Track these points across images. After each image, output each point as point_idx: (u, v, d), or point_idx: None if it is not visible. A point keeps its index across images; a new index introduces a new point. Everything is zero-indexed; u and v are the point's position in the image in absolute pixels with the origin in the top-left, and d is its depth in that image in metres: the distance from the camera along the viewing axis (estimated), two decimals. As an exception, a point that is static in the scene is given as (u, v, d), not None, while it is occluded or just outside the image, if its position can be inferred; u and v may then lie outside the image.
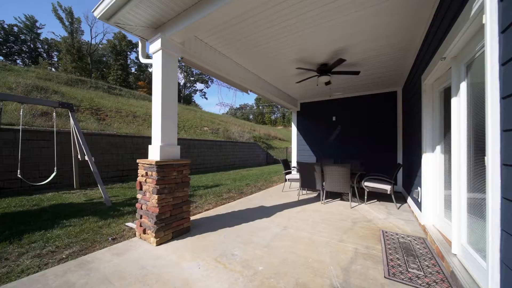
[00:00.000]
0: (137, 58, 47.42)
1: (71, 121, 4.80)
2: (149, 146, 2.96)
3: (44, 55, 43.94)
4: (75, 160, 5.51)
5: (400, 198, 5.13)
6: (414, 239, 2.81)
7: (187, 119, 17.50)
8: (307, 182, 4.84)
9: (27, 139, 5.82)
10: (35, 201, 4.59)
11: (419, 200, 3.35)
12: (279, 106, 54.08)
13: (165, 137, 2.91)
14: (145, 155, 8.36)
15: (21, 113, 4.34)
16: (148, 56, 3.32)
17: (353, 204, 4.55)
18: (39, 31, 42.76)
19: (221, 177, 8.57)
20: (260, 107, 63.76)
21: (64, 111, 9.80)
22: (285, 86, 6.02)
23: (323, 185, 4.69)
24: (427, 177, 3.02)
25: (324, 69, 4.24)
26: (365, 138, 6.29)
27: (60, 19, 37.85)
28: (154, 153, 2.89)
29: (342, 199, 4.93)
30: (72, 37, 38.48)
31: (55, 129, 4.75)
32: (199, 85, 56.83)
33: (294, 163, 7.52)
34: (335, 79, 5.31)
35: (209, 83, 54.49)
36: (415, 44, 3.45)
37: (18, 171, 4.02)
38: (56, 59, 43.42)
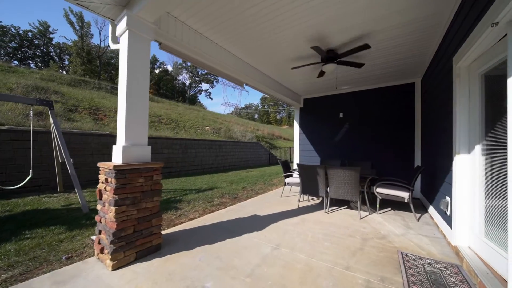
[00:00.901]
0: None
1: (51, 120, 4.41)
2: (113, 146, 2.46)
3: (56, 58, 45.15)
4: (57, 162, 5.13)
5: (419, 206, 4.41)
6: (445, 267, 2.15)
7: (188, 119, 17.14)
8: (308, 187, 4.22)
9: (12, 139, 5.51)
10: (10, 206, 4.21)
11: (448, 213, 2.67)
12: (285, 105, 53.23)
13: (130, 135, 2.39)
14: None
15: None
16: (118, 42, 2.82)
17: (363, 213, 3.89)
18: (51, 35, 43.98)
19: (218, 179, 8.05)
20: (266, 107, 63.11)
21: (61, 110, 9.62)
22: (286, 79, 5.42)
23: (327, 191, 4.06)
24: (461, 185, 2.35)
25: (331, 56, 3.60)
26: (377, 137, 5.58)
27: (71, 23, 38.73)
28: (116, 155, 2.37)
29: (349, 207, 4.28)
30: (82, 41, 39.28)
31: (31, 128, 4.38)
32: (204, 85, 56.80)
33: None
34: (341, 71, 4.67)
35: (214, 83, 54.44)
36: (444, 18, 2.77)
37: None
38: (67, 63, 44.53)
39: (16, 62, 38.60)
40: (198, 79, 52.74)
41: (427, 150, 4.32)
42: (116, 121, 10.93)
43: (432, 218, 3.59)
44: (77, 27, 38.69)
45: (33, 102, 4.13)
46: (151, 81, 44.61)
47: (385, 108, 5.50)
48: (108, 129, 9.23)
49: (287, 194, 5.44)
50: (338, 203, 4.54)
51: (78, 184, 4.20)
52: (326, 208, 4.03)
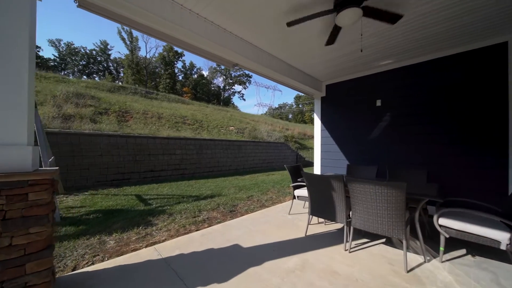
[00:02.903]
0: (183, 66, 51.58)
1: (35, 117, 4.18)
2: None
3: (114, 72, 52.39)
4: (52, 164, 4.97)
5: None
6: None
7: (214, 119, 16.91)
8: (319, 207, 2.84)
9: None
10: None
11: None
12: (321, 104, 49.26)
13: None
14: (148, 156, 7.69)
15: None
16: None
17: (413, 260, 2.30)
18: (109, 52, 51.25)
19: (228, 184, 7.10)
20: (300, 106, 60.10)
21: (91, 113, 10.29)
22: (299, 59, 4.07)
23: (349, 217, 2.61)
24: None
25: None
26: (437, 132, 3.71)
27: (123, 39, 44.10)
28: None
29: (388, 243, 2.70)
30: (132, 54, 44.38)
31: None
32: (237, 87, 57.78)
33: (316, 169, 5.39)
34: (374, 35, 3.10)
35: (247, 84, 54.77)
36: None
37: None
38: (122, 74, 51.19)
39: (85, 77, 46.13)
40: (231, 81, 53.92)
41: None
42: (141, 123, 11.18)
43: None
44: (128, 42, 43.89)
45: (14, 100, 3.95)
46: (188, 86, 47.75)
47: (453, 89, 3.58)
48: (130, 130, 9.37)
49: (298, 210, 4.07)
50: (368, 234, 2.97)
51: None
52: (347, 243, 2.57)
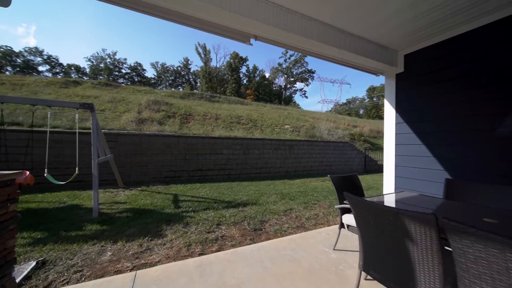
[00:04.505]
0: (247, 70, 54.43)
1: (92, 120, 4.75)
2: None
3: (192, 82, 61.57)
4: (111, 161, 5.61)
5: None
6: None
7: (269, 118, 16.34)
8: (379, 263, 1.50)
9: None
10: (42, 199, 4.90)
11: None
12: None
13: None
14: (196, 156, 7.85)
15: (48, 116, 4.73)
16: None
17: None
18: (190, 66, 60.56)
19: (272, 190, 6.16)
20: (374, 99, 50.83)
21: (161, 117, 11.86)
22: (363, 19, 2.67)
23: (450, 308, 1.17)
24: None
25: None
26: None
27: (198, 53, 50.97)
28: None
29: None
30: (205, 65, 50.69)
31: (77, 130, 4.93)
32: (299, 85, 55.25)
33: (387, 183, 3.66)
34: None
35: (309, 80, 51.70)
36: None
37: (46, 170, 4.32)
38: (198, 84, 59.55)
39: (173, 89, 56.36)
40: (292, 79, 52.42)
41: None
42: (200, 124, 12.00)
43: None
44: (202, 56, 50.36)
45: (76, 106, 4.57)
46: (251, 88, 49.94)
47: None
48: (188, 131, 10.12)
49: (350, 244, 2.66)
50: None
51: (96, 186, 4.10)
52: None
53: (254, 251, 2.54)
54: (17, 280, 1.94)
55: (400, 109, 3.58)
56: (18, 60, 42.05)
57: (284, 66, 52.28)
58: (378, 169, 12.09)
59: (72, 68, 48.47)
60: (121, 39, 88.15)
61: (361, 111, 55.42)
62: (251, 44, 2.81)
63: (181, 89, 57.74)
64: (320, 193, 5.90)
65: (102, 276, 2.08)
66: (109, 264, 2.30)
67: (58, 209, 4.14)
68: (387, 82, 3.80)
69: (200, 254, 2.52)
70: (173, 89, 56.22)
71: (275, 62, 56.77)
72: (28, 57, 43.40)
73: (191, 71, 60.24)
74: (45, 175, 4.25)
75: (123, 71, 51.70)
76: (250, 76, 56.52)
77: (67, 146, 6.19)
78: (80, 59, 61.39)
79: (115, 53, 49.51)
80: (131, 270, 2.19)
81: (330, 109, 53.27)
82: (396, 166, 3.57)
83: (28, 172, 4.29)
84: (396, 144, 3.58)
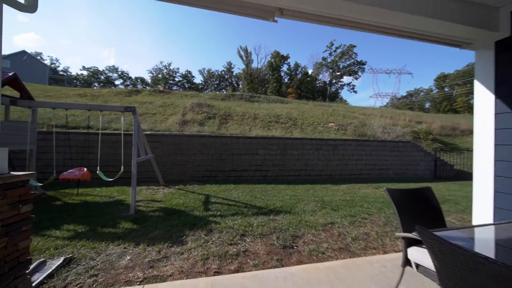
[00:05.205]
0: (288, 68, 53.26)
1: (134, 122, 5.08)
2: None
3: (235, 84, 64.13)
4: (152, 160, 5.94)
5: None
6: None
7: (311, 116, 15.19)
8: None
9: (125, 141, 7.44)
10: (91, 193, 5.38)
11: None
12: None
13: None
14: (231, 156, 7.72)
15: (100, 119, 5.26)
16: None
17: None
18: (232, 69, 63.27)
19: (311, 195, 5.40)
20: (446, 89, 41.56)
21: (202, 118, 12.42)
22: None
23: None
24: None
25: None
26: None
27: (240, 57, 52.63)
28: None
29: None
30: (247, 67, 52.00)
31: (122, 132, 5.34)
32: (346, 79, 50.24)
33: (480, 199, 2.54)
34: None
35: (359, 73, 46.58)
36: None
37: (98, 167, 4.83)
38: (240, 86, 61.68)
39: (218, 92, 59.98)
40: (338, 73, 48.31)
41: None
42: (237, 124, 12.05)
43: None
44: (244, 58, 51.76)
45: (121, 109, 4.96)
46: (293, 86, 48.44)
47: None
48: (226, 130, 10.25)
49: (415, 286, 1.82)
50: None
51: (134, 184, 4.31)
52: None
53: (279, 279, 2.01)
54: (40, 279, 1.98)
55: (503, 93, 2.42)
56: (102, 77, 52.51)
57: (329, 60, 48.71)
58: (454, 175, 9.53)
59: (138, 80, 57.35)
60: (174, 50, 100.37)
61: (427, 105, 46.42)
62: (276, 21, 2.28)
63: (224, 91, 60.68)
64: (372, 204, 4.83)
65: (112, 286, 1.95)
66: (123, 271, 2.17)
67: (105, 204, 4.54)
68: (480, 55, 2.65)
69: (215, 273, 2.16)
70: (217, 92, 59.67)
71: (319, 57, 53.35)
72: (108, 74, 53.66)
73: (234, 74, 62.78)
74: (97, 172, 4.74)
75: (176, 79, 58.01)
76: (291, 74, 55.02)
77: (120, 146, 6.96)
78: (144, 72, 72.32)
79: (169, 64, 56.12)
80: (140, 282, 2.00)
81: (385, 104, 46.78)
82: (496, 176, 2.42)
83: (85, 169, 4.89)
84: (496, 145, 2.43)
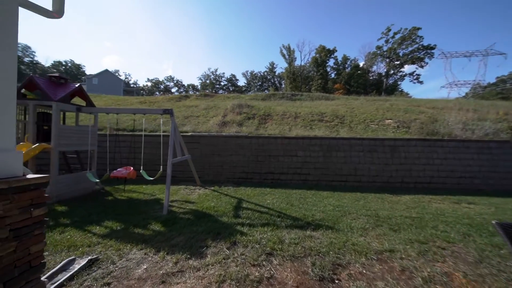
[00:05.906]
0: (335, 63, 49.46)
1: (171, 124, 5.22)
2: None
3: (277, 84, 63.65)
4: (189, 161, 6.05)
5: None
6: None
7: (363, 112, 13.31)
8: None
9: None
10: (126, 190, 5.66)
11: None
12: None
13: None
14: (268, 157, 7.26)
15: (143, 122, 5.60)
16: None
17: None
18: (275, 70, 62.93)
19: (362, 207, 4.41)
20: None
21: (242, 118, 12.42)
22: None
23: None
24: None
25: None
26: None
27: (283, 55, 51.87)
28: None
29: None
30: (290, 66, 50.86)
31: (161, 133, 5.55)
32: (408, 68, 42.50)
33: None
34: None
35: (426, 60, 39.05)
36: None
37: (141, 167, 5.16)
38: (283, 86, 60.84)
39: (259, 92, 60.75)
40: (397, 62, 41.72)
41: None
42: (277, 123, 11.57)
43: None
44: (287, 57, 50.74)
45: (160, 112, 5.16)
46: (340, 82, 44.43)
47: None
48: (265, 131, 9.91)
49: None
50: None
51: (168, 185, 4.37)
52: None
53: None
54: (60, 281, 1.99)
55: None
56: (161, 86, 60.71)
57: (385, 48, 42.67)
58: None
59: (190, 87, 63.59)
60: (221, 56, 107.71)
61: (530, 92, 34.95)
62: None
63: (266, 91, 60.73)
64: (453, 226, 3.55)
65: (118, 301, 1.78)
66: (135, 283, 2.01)
67: (145, 202, 4.79)
68: None
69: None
70: (258, 92, 60.30)
71: (372, 46, 47.05)
72: (166, 83, 61.60)
73: (276, 74, 62.32)
74: (140, 171, 5.07)
75: (222, 83, 61.67)
76: (339, 69, 50.81)
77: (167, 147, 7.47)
78: (195, 79, 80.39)
79: (216, 70, 60.18)
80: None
81: (464, 94, 37.77)
82: None
83: (131, 168, 5.32)
84: None
